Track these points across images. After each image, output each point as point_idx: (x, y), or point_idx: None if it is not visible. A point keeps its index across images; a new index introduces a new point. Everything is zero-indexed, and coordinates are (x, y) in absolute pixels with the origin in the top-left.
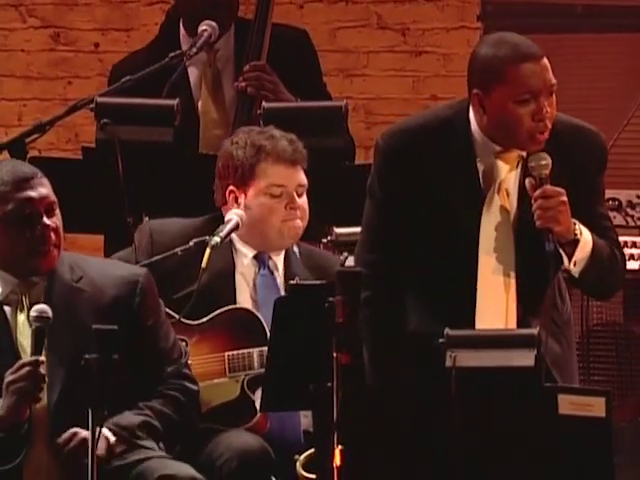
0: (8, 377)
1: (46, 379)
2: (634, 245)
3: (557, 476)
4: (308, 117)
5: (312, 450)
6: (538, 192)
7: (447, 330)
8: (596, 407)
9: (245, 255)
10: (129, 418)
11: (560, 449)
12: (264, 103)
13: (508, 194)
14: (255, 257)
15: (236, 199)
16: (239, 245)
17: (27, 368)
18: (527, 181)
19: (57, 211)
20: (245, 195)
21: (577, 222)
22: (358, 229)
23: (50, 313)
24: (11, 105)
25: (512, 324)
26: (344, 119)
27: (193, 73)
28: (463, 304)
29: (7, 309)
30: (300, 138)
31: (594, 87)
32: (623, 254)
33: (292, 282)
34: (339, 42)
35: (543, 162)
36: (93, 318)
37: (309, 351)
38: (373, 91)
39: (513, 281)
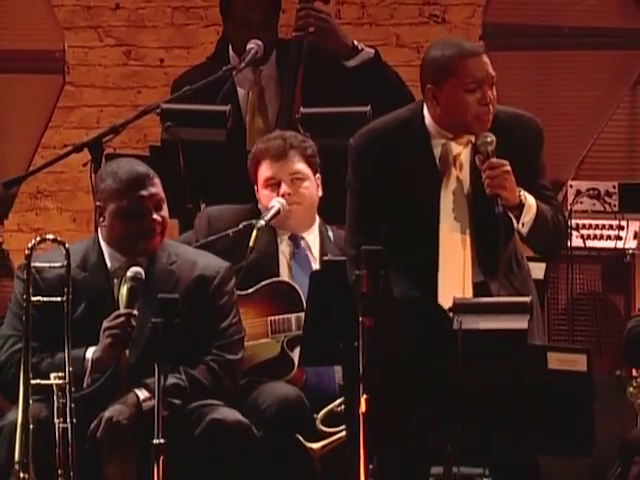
0: (105, 324)
1: (133, 335)
2: (610, 227)
3: (546, 421)
4: (338, 120)
5: (329, 407)
6: (486, 164)
7: (454, 299)
8: (579, 363)
9: (283, 237)
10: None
11: (548, 398)
12: (301, 109)
13: (462, 167)
14: (290, 238)
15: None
16: (277, 229)
17: (122, 318)
18: (476, 157)
19: (164, 204)
20: (258, 189)
21: (521, 189)
22: None
23: (143, 275)
24: (91, 111)
25: (468, 281)
26: (369, 122)
27: (241, 90)
28: (430, 269)
29: (115, 281)
30: (331, 138)
31: (578, 95)
32: (565, 217)
33: (325, 258)
34: None
35: (488, 139)
36: (178, 293)
37: (339, 316)
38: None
39: (469, 241)
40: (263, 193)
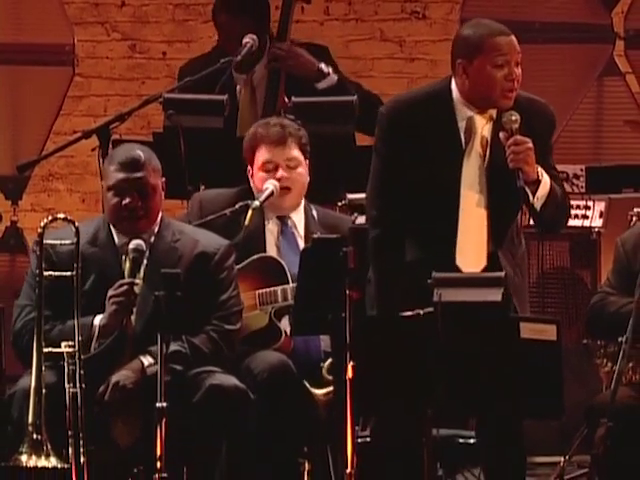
0: (110, 292)
1: (136, 303)
2: (578, 207)
3: (520, 386)
4: (326, 109)
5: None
6: (511, 140)
7: (434, 273)
8: (549, 332)
9: (271, 217)
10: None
11: (521, 365)
12: (293, 98)
13: (484, 141)
14: (278, 218)
15: (252, 175)
16: (266, 210)
17: (125, 286)
18: (501, 134)
19: (154, 192)
20: (252, 170)
21: (538, 166)
22: (364, 195)
23: (143, 247)
24: (98, 100)
25: (483, 248)
26: (355, 111)
27: (238, 85)
28: (449, 234)
29: (123, 256)
30: (320, 126)
31: (548, 85)
32: (568, 196)
33: (315, 236)
34: (351, 51)
35: (513, 117)
36: (181, 269)
37: (328, 289)
38: (377, 89)
39: (486, 211)
40: (258, 175)
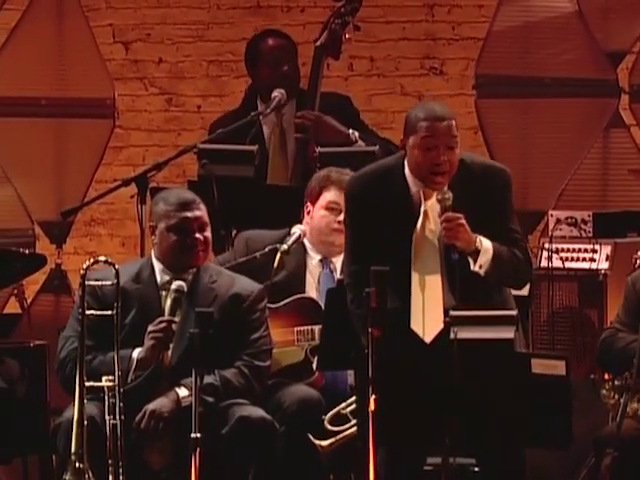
0: (150, 328)
1: (173, 339)
2: (586, 251)
3: (530, 418)
4: (350, 158)
5: (336, 409)
6: (442, 217)
7: (451, 311)
8: (559, 368)
9: (313, 258)
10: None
11: (532, 398)
12: (318, 148)
13: (431, 217)
14: (320, 260)
15: (309, 212)
16: (310, 250)
17: (164, 324)
18: (437, 211)
19: (208, 227)
20: (313, 208)
21: (478, 235)
22: None
23: (185, 288)
24: (137, 150)
25: (439, 313)
26: (377, 159)
27: (266, 130)
28: (405, 298)
29: (162, 293)
30: None
31: (558, 137)
32: (528, 256)
33: (339, 277)
34: (373, 105)
35: (446, 196)
36: (216, 308)
37: (351, 327)
38: (397, 140)
39: (439, 279)
40: (319, 212)
